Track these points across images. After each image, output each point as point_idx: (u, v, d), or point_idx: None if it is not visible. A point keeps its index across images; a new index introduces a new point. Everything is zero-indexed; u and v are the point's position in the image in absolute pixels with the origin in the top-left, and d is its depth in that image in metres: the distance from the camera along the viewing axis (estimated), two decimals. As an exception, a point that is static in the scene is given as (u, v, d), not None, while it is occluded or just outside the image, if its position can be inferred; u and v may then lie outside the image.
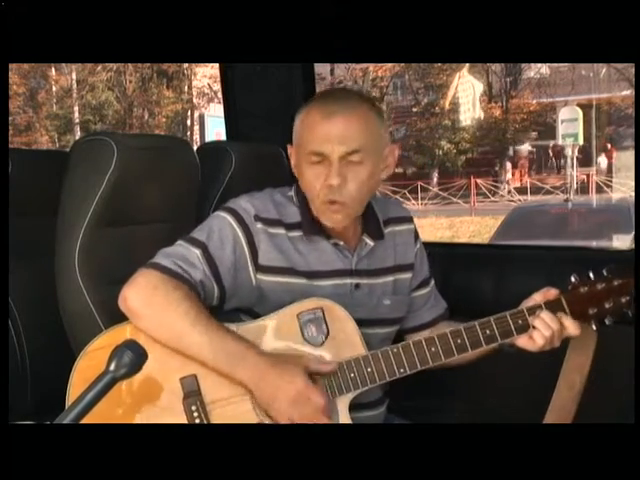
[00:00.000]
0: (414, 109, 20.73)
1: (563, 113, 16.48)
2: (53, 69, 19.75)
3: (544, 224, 8.08)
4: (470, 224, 14.31)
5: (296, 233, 1.61)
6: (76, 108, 19.74)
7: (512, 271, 2.34)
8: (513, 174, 20.22)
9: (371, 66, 19.29)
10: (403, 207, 1.84)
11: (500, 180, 19.42)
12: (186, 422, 1.47)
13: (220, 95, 3.05)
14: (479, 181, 17.76)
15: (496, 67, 19.59)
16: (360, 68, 19.52)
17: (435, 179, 19.65)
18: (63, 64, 18.43)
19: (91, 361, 1.46)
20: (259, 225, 1.58)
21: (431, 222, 13.76)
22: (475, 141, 20.31)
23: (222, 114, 2.72)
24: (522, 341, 1.59)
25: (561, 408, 1.73)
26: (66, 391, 1.48)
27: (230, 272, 1.56)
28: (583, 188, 16.25)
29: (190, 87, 20.23)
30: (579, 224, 8.39)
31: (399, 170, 18.31)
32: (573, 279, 1.62)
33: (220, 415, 1.48)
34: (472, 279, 2.28)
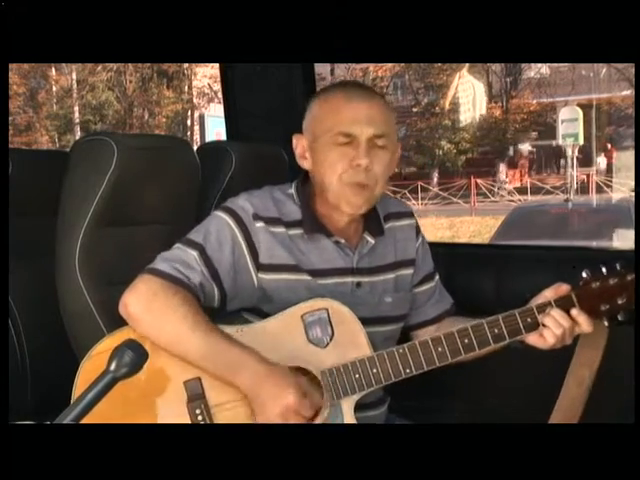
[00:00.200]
0: (414, 109, 20.73)
1: (563, 113, 16.47)
2: (53, 69, 19.75)
3: (544, 224, 8.07)
4: (470, 224, 14.31)
5: (296, 231, 1.60)
6: (76, 108, 19.74)
7: (512, 271, 2.34)
8: (506, 174, 20.19)
9: (371, 66, 19.29)
10: (403, 203, 1.83)
11: (497, 180, 19.41)
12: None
13: (220, 95, 3.05)
14: (479, 181, 17.75)
15: (496, 67, 19.60)
16: (360, 68, 19.52)
17: (435, 179, 19.65)
18: (63, 64, 18.42)
19: (95, 364, 1.46)
20: (259, 224, 1.57)
21: (431, 222, 13.74)
22: (475, 141, 20.31)
23: (222, 114, 2.72)
24: (533, 339, 1.57)
25: (569, 404, 1.71)
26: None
27: (229, 273, 1.55)
28: (583, 188, 16.24)
29: (190, 87, 20.23)
30: (579, 224, 8.38)
31: (398, 170, 18.27)
32: (585, 274, 1.59)
33: (224, 418, 1.48)
34: (472, 279, 2.28)
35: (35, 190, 1.90)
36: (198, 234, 1.58)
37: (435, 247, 1.83)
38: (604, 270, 1.59)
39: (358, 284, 1.64)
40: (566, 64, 17.51)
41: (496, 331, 1.55)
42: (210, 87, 19.18)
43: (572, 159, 16.02)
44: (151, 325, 1.49)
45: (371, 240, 1.66)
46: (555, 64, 17.41)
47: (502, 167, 20.12)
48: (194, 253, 1.54)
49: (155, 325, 1.48)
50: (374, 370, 1.52)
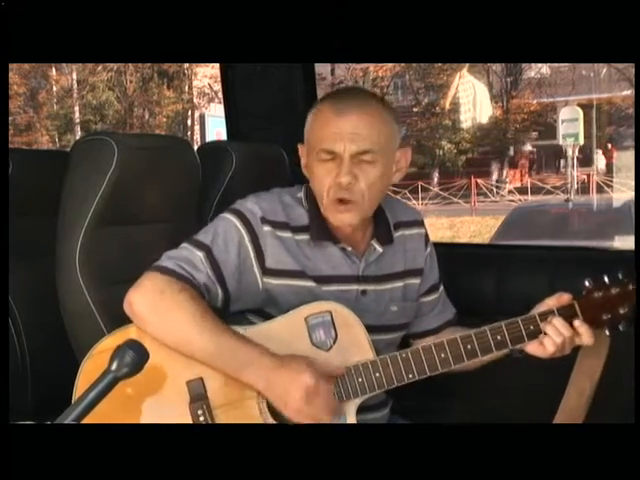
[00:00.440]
0: (415, 109, 20.71)
1: (563, 113, 16.45)
2: (53, 69, 19.74)
3: (544, 224, 8.06)
4: (471, 224, 14.31)
5: (303, 236, 1.60)
6: (76, 108, 19.74)
7: (513, 271, 2.34)
8: (503, 174, 20.18)
9: (371, 66, 19.29)
10: (414, 210, 1.81)
11: (492, 180, 19.40)
12: None
13: (220, 95, 3.05)
14: (479, 181, 17.75)
15: (496, 67, 19.59)
16: (360, 68, 19.52)
17: (435, 179, 19.64)
18: (63, 64, 18.42)
19: (96, 364, 1.45)
20: (266, 228, 1.57)
21: (432, 222, 13.73)
22: (475, 141, 20.31)
23: (222, 114, 2.72)
24: (532, 347, 1.56)
25: (569, 415, 1.69)
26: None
27: (234, 276, 1.55)
28: (584, 188, 16.23)
29: (190, 87, 20.22)
30: (579, 224, 8.38)
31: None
32: (587, 283, 1.58)
33: (226, 419, 1.48)
34: (473, 279, 2.28)
35: (35, 190, 1.90)
36: (206, 235, 1.57)
37: (435, 247, 1.83)
38: (606, 279, 1.58)
39: (363, 292, 1.63)
40: (566, 64, 17.50)
41: (499, 338, 1.55)
42: (210, 87, 19.18)
43: (572, 159, 16.00)
44: (158, 324, 1.48)
45: (379, 248, 1.64)
46: (555, 64, 17.39)
47: (495, 167, 20.10)
48: (200, 254, 1.54)
49: (162, 324, 1.48)
50: (377, 374, 1.52)
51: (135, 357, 1.10)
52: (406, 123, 20.69)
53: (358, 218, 1.58)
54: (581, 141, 16.09)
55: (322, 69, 16.59)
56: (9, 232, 1.48)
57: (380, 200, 1.62)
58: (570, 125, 15.64)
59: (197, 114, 19.92)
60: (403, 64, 18.93)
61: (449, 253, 1.80)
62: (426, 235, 1.76)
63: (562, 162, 18.47)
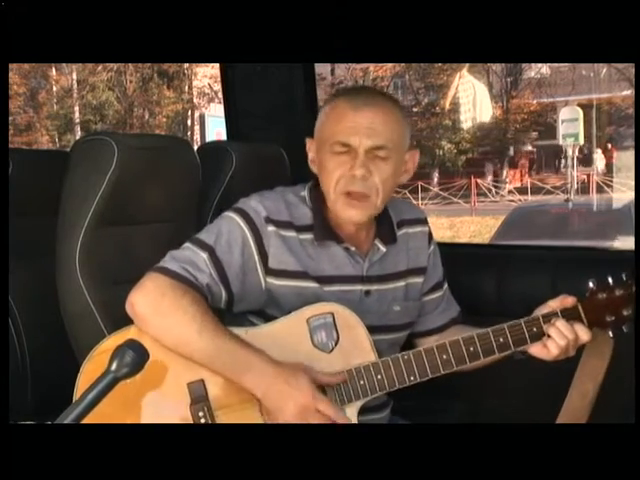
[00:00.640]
0: (415, 109, 20.70)
1: (563, 113, 16.43)
2: (53, 69, 19.73)
3: (544, 224, 8.06)
4: (470, 224, 14.30)
5: (307, 236, 1.59)
6: (76, 108, 19.73)
7: (513, 271, 2.34)
8: (498, 175, 20.18)
9: (371, 66, 19.28)
10: (417, 208, 1.80)
11: (499, 180, 19.42)
12: None
13: (220, 95, 3.05)
14: (479, 181, 17.74)
15: (496, 67, 19.58)
16: (360, 68, 19.52)
17: (435, 179, 19.64)
18: (63, 64, 18.41)
19: (97, 364, 1.45)
20: (270, 227, 1.56)
21: (431, 222, 13.64)
22: (475, 141, 20.30)
23: (222, 114, 2.72)
24: (536, 349, 1.55)
25: (572, 416, 1.68)
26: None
27: (238, 276, 1.54)
28: (583, 188, 16.23)
29: (190, 87, 20.22)
30: (579, 224, 8.38)
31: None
32: (591, 284, 1.57)
33: (227, 421, 1.47)
34: (473, 279, 2.28)
35: (35, 190, 1.90)
36: (209, 235, 1.56)
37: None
38: (610, 281, 1.57)
39: (367, 292, 1.63)
40: (566, 64, 17.49)
41: (501, 340, 1.54)
42: (210, 87, 19.18)
43: (572, 159, 16.00)
44: (159, 325, 1.48)
45: (382, 248, 1.64)
46: (555, 64, 17.39)
47: (495, 167, 20.11)
48: (204, 255, 1.53)
49: (163, 326, 1.47)
50: (379, 376, 1.51)
51: (135, 357, 1.10)
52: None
53: (368, 214, 1.58)
54: (581, 141, 16.08)
55: (322, 69, 16.58)
56: (9, 232, 1.48)
57: (389, 198, 1.61)
58: (570, 125, 15.63)
59: (197, 114, 19.91)
60: (403, 64, 18.92)
61: (449, 253, 1.80)
62: (429, 233, 1.75)
63: (562, 162, 18.47)
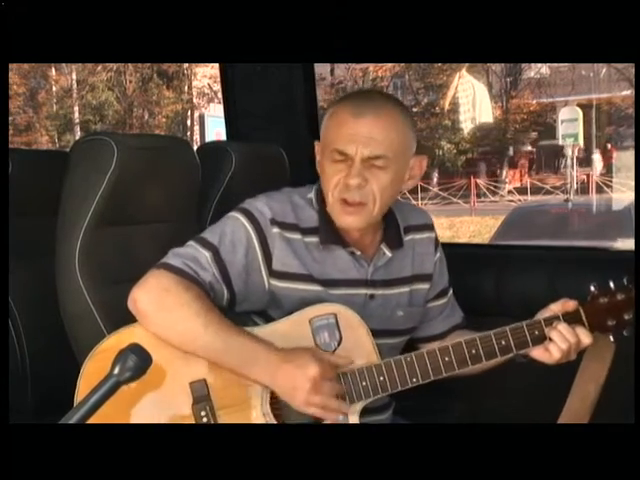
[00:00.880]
0: (414, 109, 20.68)
1: (563, 113, 16.44)
2: (53, 69, 19.72)
3: (544, 224, 8.06)
4: (470, 224, 14.30)
5: (312, 239, 1.59)
6: (76, 108, 19.72)
7: (512, 271, 2.34)
8: (500, 175, 20.18)
9: (371, 66, 19.26)
10: (424, 213, 1.79)
11: (499, 180, 19.42)
12: None
13: (220, 95, 3.05)
14: (479, 181, 17.74)
15: (496, 67, 19.58)
16: (360, 68, 19.50)
17: (435, 179, 19.64)
18: (63, 64, 18.40)
19: (99, 363, 1.45)
20: (275, 229, 1.56)
21: (431, 222, 13.68)
22: (475, 141, 20.30)
23: (222, 114, 2.72)
24: (537, 353, 1.56)
25: (572, 420, 1.68)
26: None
27: (241, 276, 1.54)
28: (583, 188, 16.24)
29: (190, 87, 20.21)
30: (579, 224, 8.38)
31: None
32: (593, 288, 1.58)
33: (229, 421, 1.47)
34: (472, 279, 2.28)
35: (35, 190, 1.90)
36: (213, 234, 1.56)
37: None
38: (612, 285, 1.58)
39: (371, 296, 1.62)
40: (566, 64, 17.49)
41: (503, 343, 1.54)
42: (210, 87, 19.17)
43: (572, 159, 16.00)
44: (162, 321, 1.47)
45: (388, 253, 1.63)
46: (555, 64, 17.38)
47: (495, 167, 20.11)
48: (207, 254, 1.53)
49: (167, 321, 1.47)
50: (381, 378, 1.51)
51: (138, 362, 1.10)
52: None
53: (364, 222, 1.56)
54: (580, 141, 16.09)
55: (322, 69, 16.57)
56: (9, 232, 1.48)
57: (389, 206, 1.60)
58: (570, 125, 15.63)
59: (197, 114, 19.90)
60: (403, 64, 18.91)
61: (449, 253, 1.80)
62: (436, 239, 1.74)
63: (562, 162, 18.47)
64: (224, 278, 1.53)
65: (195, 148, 2.14)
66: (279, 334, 1.52)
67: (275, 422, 1.48)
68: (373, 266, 1.62)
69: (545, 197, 16.15)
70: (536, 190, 17.65)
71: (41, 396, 1.85)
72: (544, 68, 19.40)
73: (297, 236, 1.57)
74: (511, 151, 20.72)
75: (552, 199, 14.65)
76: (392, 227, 1.65)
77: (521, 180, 20.36)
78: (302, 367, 1.43)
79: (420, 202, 16.98)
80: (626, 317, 1.57)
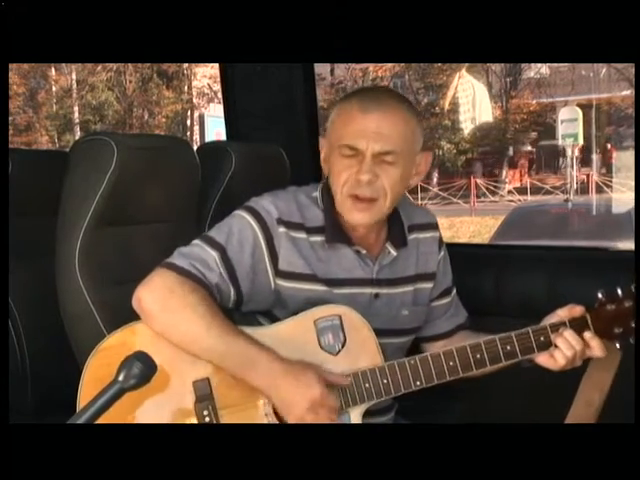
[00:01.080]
0: (414, 109, 20.66)
1: (563, 113, 16.44)
2: (53, 69, 19.72)
3: (544, 224, 8.06)
4: (470, 224, 14.30)
5: (318, 238, 1.58)
6: (76, 108, 19.72)
7: (512, 271, 2.34)
8: (500, 175, 20.18)
9: (371, 66, 19.26)
10: (428, 212, 1.79)
11: (499, 180, 19.42)
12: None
13: (220, 95, 3.05)
14: (479, 181, 17.75)
15: (496, 67, 19.58)
16: (360, 68, 19.50)
17: (435, 179, 19.64)
18: (63, 64, 18.40)
19: (102, 360, 1.45)
20: (281, 229, 1.55)
21: (431, 222, 13.67)
22: (475, 141, 20.30)
23: (222, 114, 2.72)
24: (542, 359, 1.55)
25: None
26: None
27: (248, 276, 1.54)
28: (583, 188, 16.24)
29: (190, 87, 20.21)
30: (579, 224, 8.38)
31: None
32: (600, 295, 1.56)
33: (231, 420, 1.47)
34: (472, 279, 2.28)
35: (35, 190, 1.90)
36: (220, 233, 1.55)
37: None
38: (619, 292, 1.56)
39: (376, 295, 1.62)
40: (566, 64, 17.49)
41: (508, 348, 1.54)
42: (210, 87, 19.17)
43: (572, 159, 16.00)
44: (166, 322, 1.47)
45: (393, 252, 1.63)
46: (555, 64, 17.39)
47: (495, 167, 20.12)
48: (215, 254, 1.52)
49: (170, 322, 1.46)
50: (384, 380, 1.51)
51: (143, 369, 1.09)
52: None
53: (375, 218, 1.57)
54: (580, 141, 16.09)
55: (322, 69, 16.57)
56: (9, 232, 1.48)
57: (397, 202, 1.60)
58: (569, 125, 15.63)
59: (196, 114, 19.90)
60: (402, 64, 18.91)
61: (449, 253, 1.80)
62: (440, 238, 1.74)
63: (561, 162, 18.48)
64: (231, 278, 1.52)
65: (195, 148, 2.14)
66: (283, 335, 1.52)
67: (276, 422, 1.48)
68: (378, 265, 1.62)
69: (545, 197, 16.16)
70: (536, 190, 17.65)
71: (41, 396, 1.85)
72: (544, 68, 19.40)
73: (303, 235, 1.57)
74: (511, 151, 20.72)
75: (552, 199, 14.65)
76: (396, 226, 1.65)
77: (521, 180, 20.36)
78: (304, 386, 1.43)
79: (420, 202, 16.99)
80: (633, 325, 1.55)
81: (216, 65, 3.70)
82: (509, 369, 1.61)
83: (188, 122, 20.51)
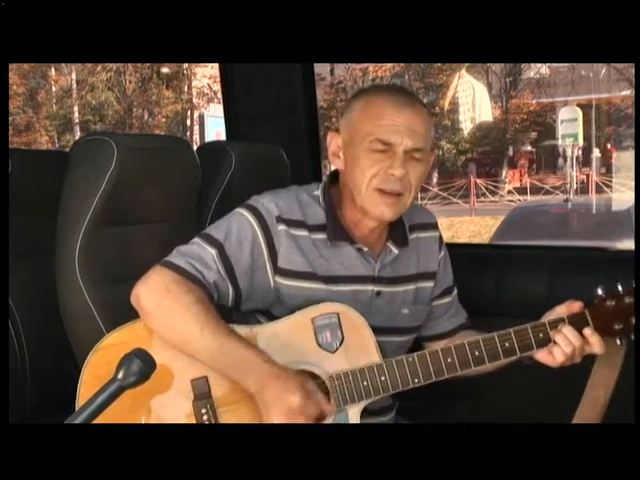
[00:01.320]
0: (414, 109, 20.63)
1: (563, 113, 16.45)
2: (53, 69, 19.72)
3: (544, 224, 8.07)
4: (470, 224, 14.30)
5: (320, 235, 1.59)
6: (76, 108, 19.72)
7: (512, 271, 2.34)
8: (499, 175, 20.19)
9: (371, 66, 19.26)
10: (428, 212, 1.80)
11: (499, 180, 19.42)
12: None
13: (220, 95, 3.05)
14: (479, 181, 17.74)
15: (496, 67, 19.58)
16: (360, 68, 19.50)
17: (435, 179, 19.64)
18: (63, 64, 18.40)
19: (103, 358, 1.46)
20: (281, 227, 1.56)
21: (431, 222, 13.67)
22: (475, 141, 20.30)
23: (222, 114, 2.72)
24: (541, 356, 1.55)
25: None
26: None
27: (247, 274, 1.54)
28: (583, 188, 16.24)
29: (190, 87, 20.21)
30: (579, 224, 8.38)
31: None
32: (600, 291, 1.56)
33: (230, 419, 1.48)
34: (472, 279, 2.28)
35: (35, 190, 1.90)
36: (219, 231, 1.56)
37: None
38: (620, 288, 1.56)
39: (378, 293, 1.63)
40: (566, 64, 17.49)
41: (507, 345, 1.54)
42: (210, 87, 19.16)
43: (572, 159, 16.00)
44: (161, 321, 1.48)
45: (395, 250, 1.64)
46: (555, 64, 17.39)
47: (495, 167, 20.12)
48: (213, 251, 1.53)
49: (165, 321, 1.47)
50: (382, 378, 1.51)
51: (142, 367, 1.09)
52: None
53: (399, 213, 1.58)
54: (580, 141, 16.10)
55: (321, 69, 16.56)
56: (9, 232, 1.48)
57: (416, 197, 1.61)
58: (569, 125, 15.64)
59: (196, 114, 19.90)
60: (402, 64, 18.91)
61: (449, 253, 1.80)
62: (440, 238, 1.75)
63: (561, 162, 18.47)
64: (230, 276, 1.53)
65: (195, 148, 2.14)
66: (281, 332, 1.53)
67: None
68: (380, 263, 1.63)
69: (545, 197, 16.16)
70: (536, 190, 17.64)
71: (41, 396, 1.85)
72: (544, 68, 19.39)
73: (304, 233, 1.58)
74: (511, 151, 20.72)
75: (552, 199, 14.66)
76: (398, 225, 1.65)
77: (521, 180, 20.36)
78: (287, 391, 1.43)
79: (420, 202, 16.98)
80: (633, 321, 1.54)
81: (216, 65, 3.70)
82: (508, 368, 1.61)
83: (188, 122, 20.51)
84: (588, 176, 16.56)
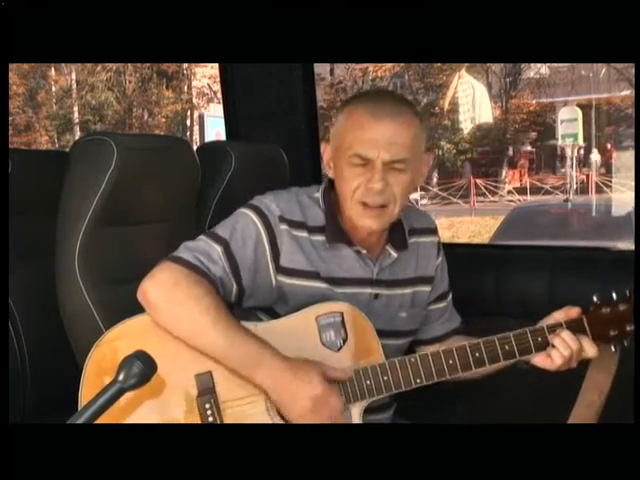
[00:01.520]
0: (414, 109, 20.62)
1: (563, 113, 16.45)
2: (53, 69, 19.72)
3: (544, 224, 8.06)
4: (470, 224, 14.31)
5: (319, 237, 1.60)
6: (76, 108, 19.72)
7: (512, 271, 2.34)
8: (499, 175, 20.19)
9: (371, 66, 19.26)
10: (428, 217, 1.80)
11: (499, 180, 19.43)
12: (198, 419, 1.47)
13: (219, 95, 3.05)
14: (478, 181, 17.75)
15: (496, 67, 19.58)
16: (360, 68, 19.50)
17: (435, 179, 19.64)
18: (63, 64, 18.40)
19: (105, 353, 1.46)
20: (283, 226, 1.57)
21: (431, 222, 13.66)
22: (475, 141, 20.30)
23: (222, 114, 2.72)
24: (539, 359, 1.57)
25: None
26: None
27: (250, 271, 1.55)
28: (582, 188, 16.24)
29: (190, 87, 20.21)
30: (578, 224, 8.38)
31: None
32: (595, 299, 1.59)
33: (233, 415, 1.48)
34: (472, 279, 2.28)
35: (35, 190, 1.90)
36: (224, 229, 1.57)
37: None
38: (614, 296, 1.59)
39: (376, 296, 1.64)
40: (566, 64, 17.49)
41: (507, 348, 1.56)
42: (210, 87, 19.16)
43: (572, 159, 16.01)
44: (171, 315, 1.47)
45: (394, 253, 1.65)
46: (555, 64, 17.39)
47: (495, 167, 20.12)
48: (218, 248, 1.54)
49: (175, 315, 1.47)
50: (385, 377, 1.52)
51: (143, 368, 1.09)
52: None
53: (386, 223, 1.58)
54: (580, 141, 16.10)
55: (321, 69, 16.56)
56: (9, 232, 1.48)
57: (405, 205, 1.61)
58: (569, 125, 15.64)
59: (196, 114, 19.90)
60: (402, 64, 18.91)
61: (448, 253, 1.80)
62: (438, 243, 1.76)
63: (561, 162, 18.48)
64: (234, 273, 1.54)
65: (195, 148, 2.14)
66: (285, 330, 1.53)
67: (278, 417, 1.49)
68: (379, 266, 1.64)
69: (545, 197, 16.16)
70: (536, 190, 17.65)
71: (41, 396, 1.85)
72: (544, 68, 19.40)
73: (304, 234, 1.59)
74: (511, 151, 20.72)
75: (552, 199, 14.66)
76: (397, 229, 1.66)
77: (521, 180, 20.36)
78: (308, 383, 1.44)
79: (420, 202, 16.98)
80: (628, 328, 1.58)
81: (216, 65, 3.70)
82: (506, 371, 1.62)
83: (188, 122, 20.51)
84: (588, 176, 16.56)
